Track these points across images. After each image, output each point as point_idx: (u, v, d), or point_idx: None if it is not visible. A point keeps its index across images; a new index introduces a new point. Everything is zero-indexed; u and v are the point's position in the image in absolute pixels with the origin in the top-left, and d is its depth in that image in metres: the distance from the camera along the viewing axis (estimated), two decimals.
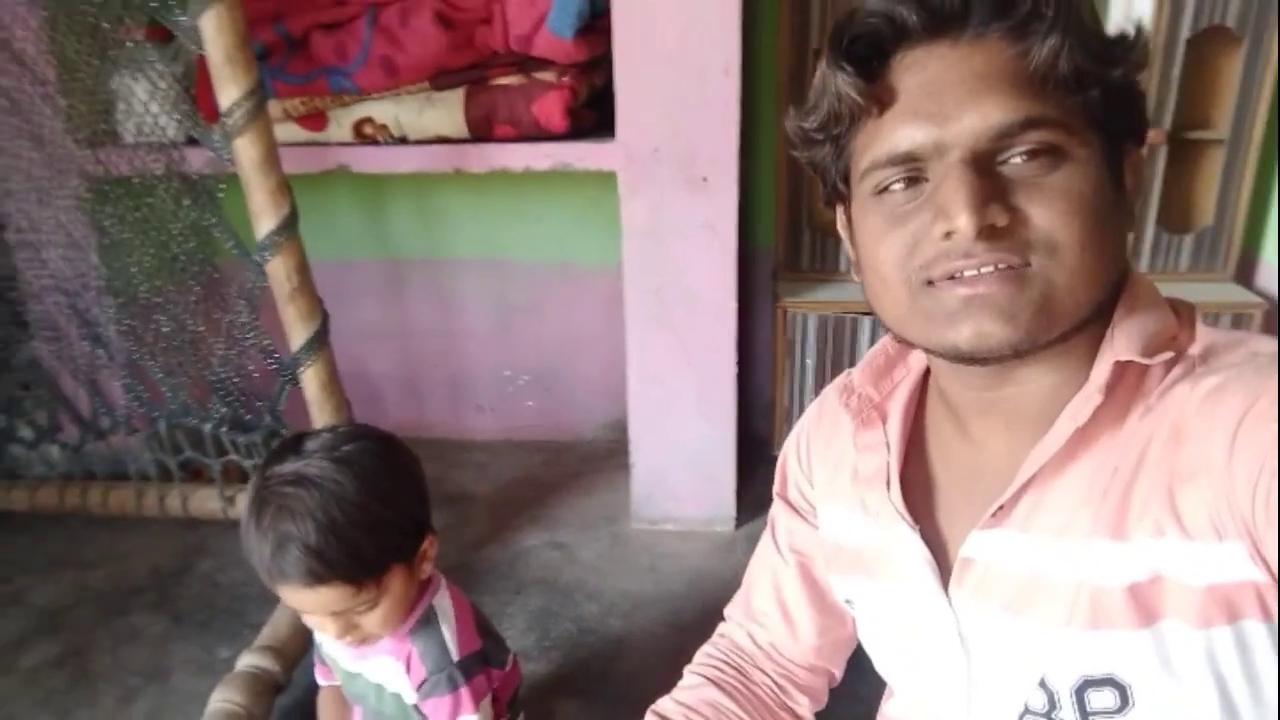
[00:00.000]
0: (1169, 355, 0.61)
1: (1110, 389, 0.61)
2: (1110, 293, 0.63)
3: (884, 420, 0.77)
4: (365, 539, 1.07)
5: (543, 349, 2.51)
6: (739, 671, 0.92)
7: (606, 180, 1.93)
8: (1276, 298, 2.05)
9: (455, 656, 1.20)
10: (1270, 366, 0.57)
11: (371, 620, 1.13)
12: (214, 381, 1.87)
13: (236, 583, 1.94)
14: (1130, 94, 0.63)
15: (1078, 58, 0.58)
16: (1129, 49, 0.60)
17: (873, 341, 2.09)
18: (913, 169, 0.61)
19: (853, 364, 0.85)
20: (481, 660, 1.24)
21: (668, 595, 1.92)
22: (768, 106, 2.12)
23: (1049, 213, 0.58)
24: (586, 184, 2.18)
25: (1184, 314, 0.66)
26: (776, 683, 0.91)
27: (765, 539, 0.94)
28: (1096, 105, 0.60)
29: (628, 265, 1.94)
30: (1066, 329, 0.61)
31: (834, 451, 0.82)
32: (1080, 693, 0.63)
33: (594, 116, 1.99)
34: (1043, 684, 0.65)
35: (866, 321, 2.06)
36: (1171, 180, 2.06)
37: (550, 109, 1.83)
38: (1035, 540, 0.64)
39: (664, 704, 0.89)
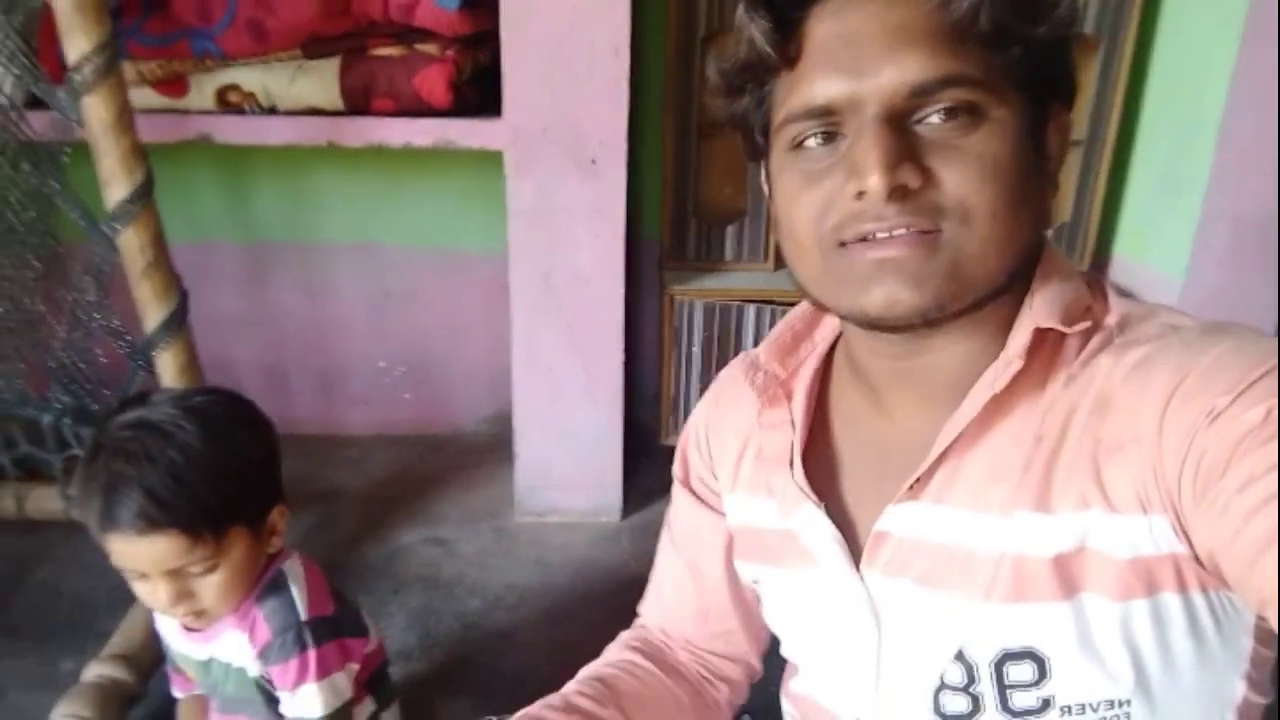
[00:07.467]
0: (1087, 324, 0.61)
1: (1029, 356, 0.60)
2: (1026, 260, 0.62)
3: (789, 398, 0.76)
4: (206, 485, 1.01)
5: (420, 339, 2.40)
6: (659, 653, 0.90)
7: (488, 162, 1.86)
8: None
9: (304, 616, 1.12)
10: (1198, 341, 0.56)
11: (208, 587, 1.05)
12: (55, 368, 1.69)
13: (81, 590, 1.77)
14: (1056, 53, 0.61)
15: (999, 13, 0.56)
16: (1054, 5, 0.58)
17: (759, 329, 2.12)
18: (829, 123, 0.59)
19: (738, 352, 0.85)
20: (333, 628, 1.16)
21: (554, 587, 1.87)
22: (653, 93, 2.09)
23: (963, 177, 0.57)
24: (468, 165, 2.10)
25: (1095, 285, 0.66)
26: (695, 670, 0.89)
27: (665, 534, 0.91)
28: (1019, 64, 0.58)
29: (513, 248, 1.88)
30: (978, 297, 0.60)
31: (738, 433, 0.80)
32: (999, 665, 0.62)
33: (477, 94, 1.92)
34: (960, 657, 0.64)
35: (752, 310, 2.07)
36: None
37: (433, 82, 1.75)
38: (952, 513, 0.63)
39: (594, 666, 0.86)
